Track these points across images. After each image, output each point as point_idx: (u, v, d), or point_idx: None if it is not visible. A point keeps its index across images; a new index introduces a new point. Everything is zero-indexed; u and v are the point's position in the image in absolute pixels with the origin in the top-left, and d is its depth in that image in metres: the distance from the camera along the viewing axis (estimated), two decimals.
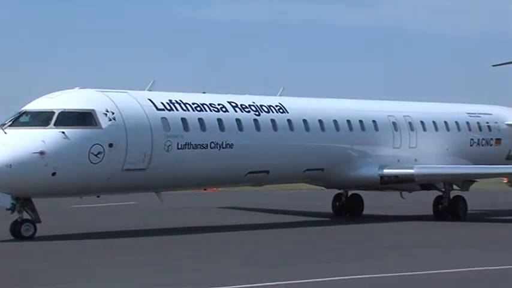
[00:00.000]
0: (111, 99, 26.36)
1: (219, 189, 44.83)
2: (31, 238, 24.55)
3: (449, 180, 33.42)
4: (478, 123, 38.29)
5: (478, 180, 35.28)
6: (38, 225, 24.93)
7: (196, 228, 29.80)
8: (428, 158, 35.06)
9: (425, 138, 35.62)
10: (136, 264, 19.90)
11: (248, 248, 23.84)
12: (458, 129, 37.28)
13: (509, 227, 32.39)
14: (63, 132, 24.73)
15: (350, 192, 35.60)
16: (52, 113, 25.18)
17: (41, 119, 25.22)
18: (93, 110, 25.63)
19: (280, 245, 24.71)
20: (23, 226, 24.62)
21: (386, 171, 33.08)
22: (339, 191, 35.65)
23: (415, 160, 34.62)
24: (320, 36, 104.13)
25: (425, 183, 33.68)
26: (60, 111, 25.24)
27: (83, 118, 25.48)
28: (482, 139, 38.15)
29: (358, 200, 36.16)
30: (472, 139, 37.68)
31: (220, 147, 28.49)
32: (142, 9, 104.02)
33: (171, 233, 27.69)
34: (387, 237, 26.95)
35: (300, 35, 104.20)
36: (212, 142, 28.27)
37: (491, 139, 38.53)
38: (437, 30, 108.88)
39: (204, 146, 28.05)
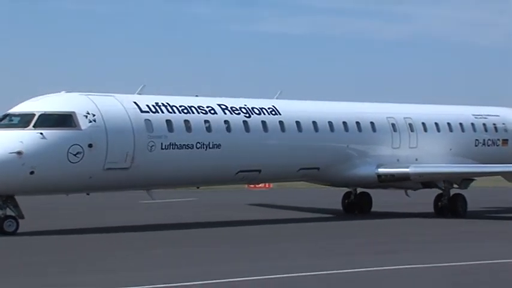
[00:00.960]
0: (93, 102, 26.68)
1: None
2: (13, 234, 24.86)
3: (445, 179, 33.36)
4: (484, 124, 38.25)
5: (476, 178, 34.84)
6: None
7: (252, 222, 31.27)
8: (429, 158, 35.13)
9: (427, 139, 35.65)
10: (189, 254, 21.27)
11: (297, 241, 25.03)
12: (463, 130, 37.27)
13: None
14: (41, 133, 25.14)
15: (359, 190, 35.80)
16: (33, 115, 25.63)
17: (22, 121, 25.66)
18: (74, 112, 25.98)
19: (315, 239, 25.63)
20: (5, 222, 25.00)
21: (383, 170, 33.31)
22: (348, 190, 35.82)
23: (416, 160, 34.71)
24: (360, 48, 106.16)
25: (426, 181, 33.72)
26: (40, 113, 25.67)
27: (62, 120, 25.85)
28: (489, 139, 38.10)
29: (366, 198, 36.38)
30: (477, 140, 37.65)
31: (207, 147, 28.70)
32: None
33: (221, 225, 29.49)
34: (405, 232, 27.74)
35: (339, 47, 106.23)
36: (198, 142, 28.49)
37: (498, 139, 38.45)
38: (465, 40, 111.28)
39: (190, 146, 28.27)
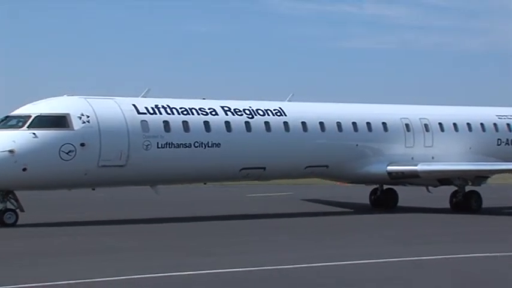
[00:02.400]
0: (90, 105, 27.44)
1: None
2: (13, 225, 25.97)
3: (454, 176, 33.36)
4: (508, 124, 38.02)
5: (490, 176, 34.38)
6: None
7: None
8: (447, 156, 35.03)
9: (444, 138, 35.56)
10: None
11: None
12: (483, 130, 37.07)
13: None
14: (33, 133, 26.10)
15: (385, 187, 35.94)
16: (29, 116, 26.63)
17: (19, 122, 26.64)
18: (68, 114, 26.80)
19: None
20: (5, 215, 26.11)
21: (392, 167, 33.35)
22: (375, 186, 36.08)
23: (433, 158, 34.81)
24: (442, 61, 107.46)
25: (441, 178, 33.69)
26: (36, 115, 26.63)
27: (57, 121, 26.70)
28: None
29: (392, 194, 36.36)
30: (499, 139, 37.43)
31: (206, 146, 29.16)
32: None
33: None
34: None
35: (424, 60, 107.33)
36: (196, 142, 28.98)
37: None
38: None
39: (188, 145, 28.75)
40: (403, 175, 33.54)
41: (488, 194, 35.40)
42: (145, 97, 30.04)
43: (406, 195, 37.19)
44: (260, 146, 30.63)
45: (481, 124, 37.05)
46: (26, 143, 25.99)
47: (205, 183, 35.46)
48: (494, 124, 37.51)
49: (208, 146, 29.29)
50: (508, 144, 37.64)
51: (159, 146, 28.17)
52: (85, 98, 28.06)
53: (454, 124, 36.18)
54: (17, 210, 26.51)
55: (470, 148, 36.23)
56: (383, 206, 35.53)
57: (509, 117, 38.39)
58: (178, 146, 28.61)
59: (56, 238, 23.68)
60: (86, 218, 29.45)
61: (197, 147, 29.04)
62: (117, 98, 28.84)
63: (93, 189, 31.24)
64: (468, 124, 36.62)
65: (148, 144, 27.89)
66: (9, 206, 26.42)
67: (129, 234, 24.83)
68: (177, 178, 30.25)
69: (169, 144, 28.39)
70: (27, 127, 26.31)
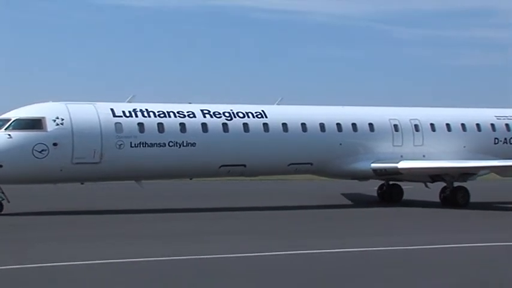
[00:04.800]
0: (67, 109, 28.87)
1: None
2: None
3: (434, 173, 33.61)
4: (507, 124, 37.68)
5: (476, 173, 33.91)
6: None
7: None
8: (438, 155, 35.13)
9: (435, 138, 35.68)
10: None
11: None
12: (479, 129, 36.89)
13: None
14: (9, 135, 27.80)
15: (391, 182, 36.46)
16: (9, 120, 28.36)
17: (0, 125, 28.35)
18: (43, 117, 28.40)
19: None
20: None
21: (376, 165, 33.72)
22: (381, 181, 36.65)
23: (424, 156, 35.03)
24: None
25: (433, 175, 33.89)
26: (15, 118, 28.35)
27: (33, 124, 28.29)
28: (511, 138, 37.53)
29: (397, 189, 36.82)
30: (496, 138, 37.18)
31: (180, 145, 30.21)
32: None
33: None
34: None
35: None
36: (171, 141, 30.10)
37: None
38: None
39: (162, 144, 29.89)
40: (386, 172, 33.78)
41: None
42: (130, 102, 31.28)
43: (413, 190, 37.87)
44: (238, 145, 31.37)
45: (477, 124, 36.89)
46: (1, 143, 27.71)
47: (190, 179, 36.20)
48: (492, 124, 37.25)
49: (183, 146, 30.30)
50: (507, 143, 37.31)
51: (132, 145, 29.37)
52: (65, 103, 29.50)
53: (447, 124, 36.13)
54: (3, 202, 28.36)
55: (464, 147, 36.11)
56: (389, 199, 36.07)
57: (509, 117, 37.95)
58: (152, 145, 29.74)
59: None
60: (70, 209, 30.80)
61: (172, 146, 30.09)
62: (98, 103, 30.17)
63: (82, 184, 33.04)
64: (463, 124, 36.52)
65: (121, 144, 29.14)
66: None
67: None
68: (151, 175, 31.09)
69: (142, 143, 29.57)
70: (5, 129, 27.97)
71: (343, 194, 40.25)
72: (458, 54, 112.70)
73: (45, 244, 19.62)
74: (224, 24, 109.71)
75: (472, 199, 33.80)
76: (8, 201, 28.36)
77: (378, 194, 37.27)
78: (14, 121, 28.29)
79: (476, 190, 34.97)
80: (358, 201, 37.21)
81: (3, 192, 28.46)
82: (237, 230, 24.23)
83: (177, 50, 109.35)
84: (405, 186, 37.26)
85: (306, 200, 36.94)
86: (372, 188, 38.99)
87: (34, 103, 30.15)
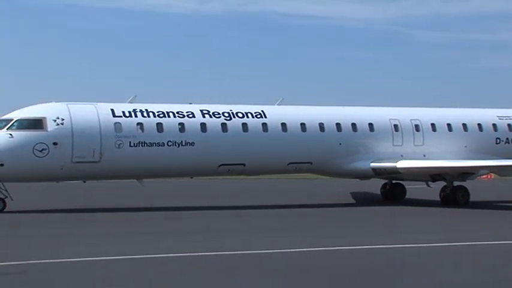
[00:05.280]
0: (68, 109, 29.36)
1: None
2: (1, 211, 28.45)
3: (433, 172, 33.85)
4: (509, 124, 37.85)
5: (475, 172, 34.01)
6: None
7: None
8: (439, 154, 35.31)
9: (435, 138, 35.85)
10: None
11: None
12: (480, 129, 37.00)
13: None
14: (10, 134, 28.36)
15: (394, 182, 36.92)
16: (11, 120, 28.95)
17: (2, 125, 28.86)
18: (44, 118, 28.92)
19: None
20: None
21: (375, 164, 33.92)
22: (385, 181, 37.13)
23: (424, 156, 35.19)
24: None
25: (433, 174, 34.08)
26: (17, 119, 28.92)
27: (34, 123, 28.82)
28: None
29: (400, 188, 37.30)
30: (498, 138, 37.31)
31: (179, 145, 30.59)
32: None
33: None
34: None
35: None
36: (170, 141, 30.48)
37: None
38: None
39: (161, 144, 30.28)
40: (385, 171, 33.95)
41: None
42: (132, 102, 31.76)
43: (415, 189, 38.28)
44: (237, 144, 31.69)
45: (479, 124, 36.98)
46: (3, 142, 28.27)
47: (191, 177, 36.54)
48: (494, 124, 37.37)
49: (182, 145, 30.69)
50: (509, 143, 37.40)
51: (132, 144, 29.81)
52: (67, 103, 30.04)
53: (448, 124, 36.25)
54: (6, 199, 29.01)
55: (465, 146, 36.23)
56: (392, 198, 36.51)
57: (511, 117, 38.05)
58: (151, 145, 30.16)
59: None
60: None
61: (171, 146, 30.49)
62: (99, 104, 30.65)
63: (84, 182, 33.50)
64: (464, 124, 36.61)
65: (121, 143, 29.60)
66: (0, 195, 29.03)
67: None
68: (151, 173, 31.53)
69: (141, 143, 29.99)
70: (7, 129, 28.56)
71: (351, 193, 40.73)
72: (480, 57, 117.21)
73: (84, 240, 20.03)
74: (254, 30, 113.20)
75: (473, 198, 33.99)
76: (12, 199, 28.93)
77: (381, 192, 37.63)
78: (16, 121, 28.86)
79: (477, 189, 35.09)
80: (363, 199, 37.66)
81: (6, 190, 29.09)
82: (262, 227, 24.45)
83: (206, 55, 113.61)
84: (409, 185, 37.58)
85: (307, 198, 37.49)
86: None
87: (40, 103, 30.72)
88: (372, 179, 35.76)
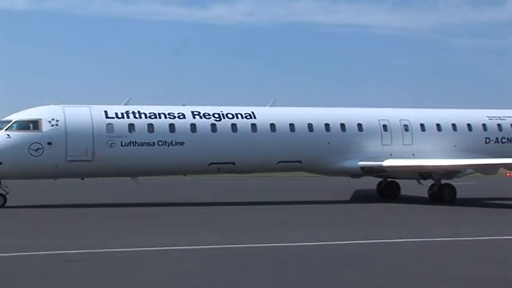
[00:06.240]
0: (63, 111, 31.00)
1: None
2: (2, 207, 30.18)
3: (417, 171, 34.88)
4: (499, 124, 38.44)
5: (461, 171, 34.76)
6: None
7: None
8: (429, 153, 36.05)
9: (424, 137, 36.58)
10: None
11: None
12: (470, 129, 37.67)
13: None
14: (8, 135, 30.10)
15: (389, 180, 37.99)
16: (10, 121, 30.70)
17: (1, 126, 30.62)
18: (40, 119, 30.60)
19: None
20: None
21: (363, 163, 34.81)
22: (380, 179, 38.10)
23: (413, 155, 36.02)
24: None
25: (422, 172, 35.08)
26: (15, 120, 30.66)
27: (31, 125, 30.54)
28: (502, 138, 38.25)
29: (394, 185, 38.42)
30: (487, 137, 37.95)
31: (169, 144, 31.95)
32: None
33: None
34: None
35: None
36: (160, 141, 31.88)
37: None
38: None
39: (152, 143, 31.70)
40: (373, 169, 34.85)
41: None
42: (127, 104, 33.20)
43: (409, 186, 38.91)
44: (226, 144, 32.92)
45: (468, 124, 37.68)
46: (1, 142, 30.05)
47: (184, 175, 37.70)
48: (483, 124, 38.00)
49: (172, 145, 32.05)
50: (498, 143, 38.00)
51: (123, 144, 31.30)
52: (63, 106, 31.64)
53: (438, 125, 37.00)
54: (7, 195, 30.83)
55: (455, 146, 36.93)
56: (387, 195, 37.68)
57: (502, 118, 38.60)
58: (142, 144, 31.59)
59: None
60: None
61: (161, 145, 31.88)
62: (94, 106, 32.19)
63: (82, 179, 35.41)
64: (453, 125, 37.34)
65: (112, 143, 31.09)
66: (0, 191, 30.82)
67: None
68: (141, 171, 32.80)
69: (132, 143, 31.46)
70: (5, 130, 30.31)
71: (356, 191, 41.86)
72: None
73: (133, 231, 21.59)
74: (300, 39, 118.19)
75: (459, 195, 34.86)
76: (8, 194, 30.77)
77: (376, 190, 38.69)
78: (14, 122, 30.60)
79: (466, 188, 35.80)
80: (358, 196, 38.80)
81: (7, 186, 30.83)
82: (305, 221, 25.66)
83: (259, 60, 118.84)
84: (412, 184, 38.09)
85: (312, 195, 39.07)
86: None
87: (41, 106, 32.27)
88: (373, 178, 36.79)
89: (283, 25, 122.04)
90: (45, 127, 30.50)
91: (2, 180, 30.89)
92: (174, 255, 16.66)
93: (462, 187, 38.42)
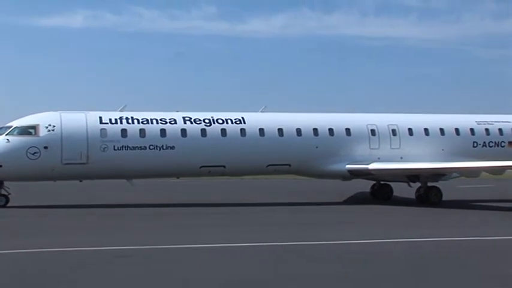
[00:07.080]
0: (60, 117, 32.70)
1: None
2: (4, 207, 31.66)
3: (403, 174, 35.69)
4: (487, 129, 39.37)
5: (446, 173, 35.60)
6: None
7: None
8: (417, 157, 36.91)
9: (412, 141, 37.54)
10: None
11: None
12: (458, 133, 38.62)
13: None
14: (7, 139, 31.92)
15: (382, 182, 39.05)
16: (10, 127, 32.51)
17: (2, 131, 32.42)
18: (38, 125, 32.35)
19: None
20: None
21: (350, 166, 35.80)
22: (373, 181, 39.19)
23: (401, 158, 36.94)
24: None
25: (409, 175, 35.87)
26: (15, 126, 32.47)
27: (28, 130, 32.32)
28: (490, 142, 39.14)
29: (387, 188, 39.43)
30: (475, 142, 38.84)
31: (160, 148, 33.44)
32: None
33: None
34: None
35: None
36: (151, 145, 33.39)
37: (503, 142, 39.39)
38: None
39: (143, 147, 33.22)
40: (359, 172, 35.83)
41: None
42: (122, 111, 34.78)
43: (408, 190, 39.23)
44: (216, 148, 34.32)
45: (456, 129, 38.63)
46: (1, 147, 31.89)
47: (177, 178, 38.80)
48: (471, 129, 38.92)
49: (163, 149, 33.54)
50: (486, 147, 38.86)
51: (116, 148, 32.89)
52: (60, 112, 33.29)
53: (425, 129, 37.99)
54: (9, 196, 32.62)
55: (442, 150, 37.86)
56: (380, 197, 38.78)
57: (490, 123, 39.48)
58: (134, 148, 33.14)
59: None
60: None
61: (152, 149, 33.40)
62: (90, 112, 33.84)
63: (80, 181, 37.02)
64: (441, 129, 38.31)
65: (105, 147, 32.66)
66: (2, 192, 32.58)
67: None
68: (134, 174, 34.20)
69: (125, 147, 33.03)
70: (6, 135, 32.14)
71: (358, 193, 42.59)
72: None
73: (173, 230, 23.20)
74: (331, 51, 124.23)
75: (446, 198, 35.72)
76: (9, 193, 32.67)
77: (370, 192, 39.76)
78: (13, 128, 32.44)
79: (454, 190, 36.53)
80: (353, 198, 39.60)
81: (7, 188, 32.66)
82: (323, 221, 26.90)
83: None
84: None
85: (304, 196, 40.03)
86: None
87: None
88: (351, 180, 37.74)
89: (315, 38, 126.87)
90: (42, 132, 32.16)
91: (4, 182, 32.66)
92: (219, 252, 17.91)
93: (477, 189, 39.55)
